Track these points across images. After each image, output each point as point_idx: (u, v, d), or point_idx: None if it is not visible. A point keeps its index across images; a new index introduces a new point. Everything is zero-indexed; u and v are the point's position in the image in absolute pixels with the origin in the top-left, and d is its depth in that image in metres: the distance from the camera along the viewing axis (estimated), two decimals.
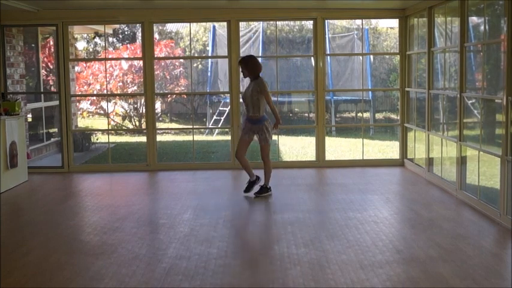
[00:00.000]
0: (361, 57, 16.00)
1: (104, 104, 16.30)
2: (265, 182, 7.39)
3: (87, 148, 12.58)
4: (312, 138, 11.57)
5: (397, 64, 13.54)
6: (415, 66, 9.21)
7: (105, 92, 14.93)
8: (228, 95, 9.60)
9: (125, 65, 16.00)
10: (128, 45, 17.69)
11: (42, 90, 11.66)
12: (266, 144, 7.25)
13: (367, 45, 17.50)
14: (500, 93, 6.03)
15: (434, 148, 8.22)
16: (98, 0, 8.59)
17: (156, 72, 12.97)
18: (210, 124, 16.51)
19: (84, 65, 16.57)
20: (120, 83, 15.97)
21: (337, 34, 18.82)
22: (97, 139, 13.77)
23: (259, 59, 7.97)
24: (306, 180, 8.53)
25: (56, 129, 11.76)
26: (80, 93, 15.15)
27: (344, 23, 19.02)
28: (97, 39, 20.20)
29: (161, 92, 16.27)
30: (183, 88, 17.08)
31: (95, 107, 16.87)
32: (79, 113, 15.26)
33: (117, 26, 17.75)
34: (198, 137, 15.00)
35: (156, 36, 19.12)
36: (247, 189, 7.40)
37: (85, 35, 19.26)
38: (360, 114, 17.68)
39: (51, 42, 12.37)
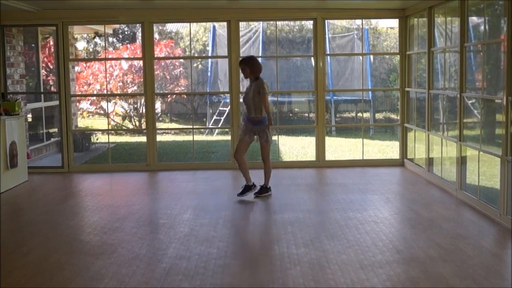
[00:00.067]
0: (361, 57, 16.00)
1: (104, 104, 16.29)
2: (265, 182, 7.38)
3: (87, 148, 12.58)
4: (312, 138, 11.57)
5: (397, 64, 13.53)
6: (415, 66, 9.21)
7: (105, 92, 14.93)
8: (228, 95, 9.60)
9: (124, 65, 16.00)
10: (128, 45, 17.69)
11: (42, 90, 11.66)
12: (267, 144, 7.24)
13: (367, 45, 17.50)
14: (500, 93, 6.03)
15: (434, 148, 8.22)
16: (98, 0, 8.59)
17: (156, 72, 12.97)
18: (210, 124, 16.51)
19: (84, 65, 16.57)
20: (120, 83, 15.97)
21: (337, 34, 18.82)
22: (97, 139, 13.77)
23: (260, 59, 7.96)
24: (306, 180, 8.53)
25: (56, 129, 11.76)
26: (80, 93, 15.15)
27: (344, 23, 19.02)
28: (97, 39, 20.20)
29: (161, 92, 16.27)
30: (183, 88, 17.08)
31: (95, 107, 16.87)
32: (79, 113, 15.26)
33: (117, 26, 17.75)
34: (198, 137, 15.00)
35: (156, 36, 19.12)
36: (242, 193, 7.28)
37: (85, 35, 19.26)
38: (360, 114, 17.68)
39: (51, 42, 12.37)
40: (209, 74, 17.50)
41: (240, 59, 7.67)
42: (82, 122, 16.73)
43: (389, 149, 12.62)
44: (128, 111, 17.01)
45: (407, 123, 9.49)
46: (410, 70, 9.39)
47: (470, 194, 6.78)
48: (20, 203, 7.53)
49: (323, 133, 9.57)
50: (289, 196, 7.38)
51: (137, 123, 16.67)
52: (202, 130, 16.32)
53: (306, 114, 18.38)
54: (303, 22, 18.90)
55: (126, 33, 21.18)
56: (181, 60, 17.74)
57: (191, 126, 15.34)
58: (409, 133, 9.50)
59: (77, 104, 14.28)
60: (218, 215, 6.45)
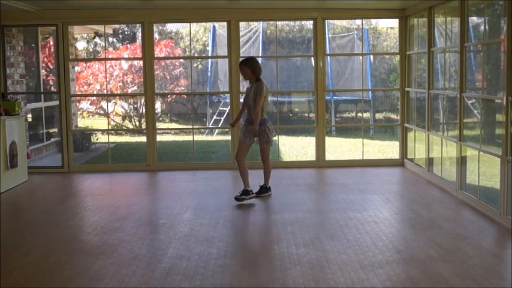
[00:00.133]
0: (361, 57, 16.01)
1: (104, 104, 16.30)
2: (265, 182, 7.38)
3: (87, 148, 12.58)
4: (312, 138, 11.57)
5: (397, 64, 13.54)
6: (415, 66, 9.21)
7: (105, 92, 14.93)
8: (228, 95, 9.60)
9: (124, 65, 16.00)
10: (128, 45, 17.69)
11: (42, 90, 11.66)
12: (267, 145, 7.22)
13: (367, 45, 17.50)
14: (500, 93, 6.03)
15: (434, 148, 8.22)
16: (98, 0, 8.60)
17: (156, 72, 12.98)
18: (210, 124, 16.51)
19: (84, 65, 16.57)
20: (120, 83, 15.97)
21: (337, 34, 18.82)
22: (97, 139, 13.77)
23: (260, 59, 7.94)
24: (306, 180, 8.53)
25: (56, 129, 11.76)
26: (80, 93, 15.15)
27: (344, 23, 19.02)
28: (97, 39, 20.20)
29: (161, 92, 16.27)
30: (183, 88, 17.08)
31: (94, 107, 16.87)
32: (79, 113, 15.26)
33: (117, 26, 17.75)
34: (198, 137, 15.00)
35: (156, 36, 19.12)
36: (240, 197, 7.09)
37: (85, 35, 19.26)
38: (359, 114, 17.68)
39: (51, 42, 12.37)
40: (209, 74, 17.50)
41: (240, 61, 7.53)
42: (82, 122, 16.74)
43: (389, 149, 12.62)
44: (128, 111, 17.02)
45: (407, 123, 9.49)
46: (410, 70, 9.39)
47: (470, 194, 6.78)
48: (20, 203, 7.53)
49: (323, 133, 9.57)
50: (289, 196, 7.38)
51: (137, 123, 16.68)
52: (202, 130, 16.32)
53: (306, 114, 18.38)
54: (303, 22, 18.90)
55: (126, 33, 21.18)
56: (181, 60, 17.74)
57: (191, 126, 15.35)
58: (409, 133, 9.51)
59: (77, 104, 14.28)
60: (218, 215, 6.45)
